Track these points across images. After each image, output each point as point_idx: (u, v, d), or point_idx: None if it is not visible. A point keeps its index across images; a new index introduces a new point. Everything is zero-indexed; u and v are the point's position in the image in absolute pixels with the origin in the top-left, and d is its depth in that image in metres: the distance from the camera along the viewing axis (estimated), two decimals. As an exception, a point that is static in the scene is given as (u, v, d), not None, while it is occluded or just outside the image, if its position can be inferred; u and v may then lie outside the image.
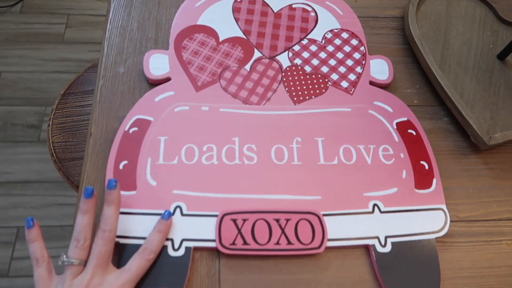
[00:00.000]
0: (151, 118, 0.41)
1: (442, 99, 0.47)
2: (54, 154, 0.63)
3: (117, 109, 0.43)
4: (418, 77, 0.49)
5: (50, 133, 0.65)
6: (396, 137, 0.43)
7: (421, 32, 0.50)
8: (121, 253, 0.36)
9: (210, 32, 0.48)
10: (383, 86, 0.47)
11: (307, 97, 0.45)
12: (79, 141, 0.65)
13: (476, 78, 0.47)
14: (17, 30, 1.30)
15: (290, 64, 0.47)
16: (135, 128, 0.41)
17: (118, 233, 0.36)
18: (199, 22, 0.49)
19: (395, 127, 0.44)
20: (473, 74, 0.48)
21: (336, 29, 0.50)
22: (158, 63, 0.45)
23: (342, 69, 0.47)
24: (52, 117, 0.66)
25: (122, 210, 0.37)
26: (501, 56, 0.49)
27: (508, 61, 0.49)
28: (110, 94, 0.44)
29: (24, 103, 1.17)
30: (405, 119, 0.44)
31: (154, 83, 0.44)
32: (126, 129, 0.41)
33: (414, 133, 0.44)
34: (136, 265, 0.33)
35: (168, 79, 0.44)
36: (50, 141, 0.64)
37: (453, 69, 0.48)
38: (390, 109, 0.45)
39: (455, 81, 0.47)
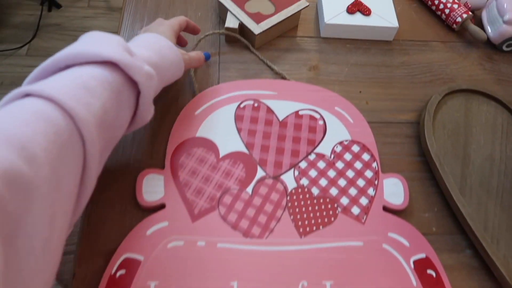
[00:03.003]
0: (141, 257, 0.37)
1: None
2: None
3: (104, 241, 0.39)
4: (436, 197, 0.45)
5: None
6: (414, 280, 0.39)
7: (439, 145, 0.46)
8: None
9: (210, 146, 0.44)
10: (398, 211, 0.43)
11: (314, 227, 0.41)
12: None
13: (501, 203, 0.43)
14: (23, 73, 1.30)
15: (296, 185, 0.43)
16: (123, 271, 0.37)
17: None
18: (198, 134, 0.45)
19: (412, 266, 0.39)
20: (497, 197, 0.43)
21: (346, 140, 0.46)
22: (152, 186, 0.41)
23: (352, 191, 0.43)
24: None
25: None
26: (528, 176, 0.44)
27: (536, 182, 0.45)
28: (98, 220, 0.40)
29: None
30: (423, 256, 0.40)
31: (147, 209, 0.41)
32: (113, 272, 0.37)
33: (434, 274, 0.39)
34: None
35: (162, 206, 0.41)
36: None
37: (475, 192, 0.43)
38: (406, 243, 0.40)
39: (477, 207, 0.42)
